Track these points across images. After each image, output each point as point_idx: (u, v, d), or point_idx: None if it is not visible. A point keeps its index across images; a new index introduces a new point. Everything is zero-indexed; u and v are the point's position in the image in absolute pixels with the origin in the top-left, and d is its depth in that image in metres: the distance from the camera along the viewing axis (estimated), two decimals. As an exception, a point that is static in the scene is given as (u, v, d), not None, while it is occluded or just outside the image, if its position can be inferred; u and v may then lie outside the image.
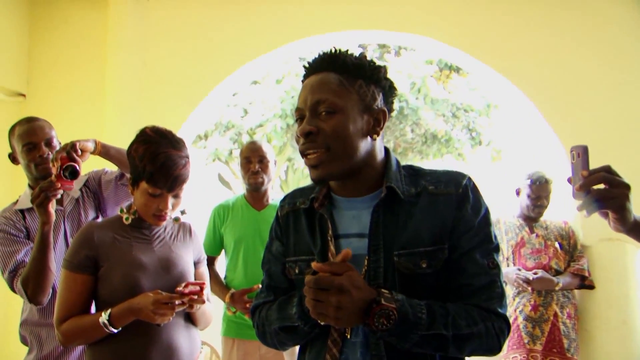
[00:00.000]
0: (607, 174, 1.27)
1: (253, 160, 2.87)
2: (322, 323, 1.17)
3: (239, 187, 11.20)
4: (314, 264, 1.15)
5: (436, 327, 1.16)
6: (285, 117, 9.25)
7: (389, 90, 1.33)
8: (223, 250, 3.02)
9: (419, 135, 10.30)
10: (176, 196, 1.80)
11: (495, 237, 1.30)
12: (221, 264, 3.08)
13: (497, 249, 1.28)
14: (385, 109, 1.30)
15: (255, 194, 2.93)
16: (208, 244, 2.94)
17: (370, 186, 1.32)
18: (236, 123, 9.72)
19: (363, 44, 9.52)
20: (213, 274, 2.85)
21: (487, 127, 10.36)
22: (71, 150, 2.07)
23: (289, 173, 11.75)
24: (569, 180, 1.33)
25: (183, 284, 1.76)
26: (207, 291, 1.83)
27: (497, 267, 1.26)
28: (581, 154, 1.31)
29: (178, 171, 1.74)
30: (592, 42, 3.50)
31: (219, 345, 3.03)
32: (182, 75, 3.83)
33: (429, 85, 9.27)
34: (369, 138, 1.28)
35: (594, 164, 1.28)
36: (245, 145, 2.99)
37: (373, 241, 1.26)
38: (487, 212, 1.29)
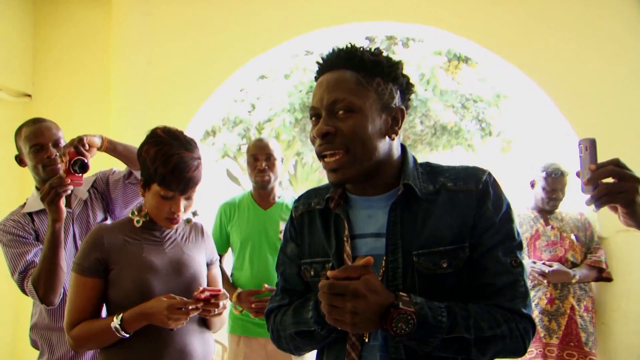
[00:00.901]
0: (615, 167, 1.24)
1: (260, 158, 2.85)
2: (339, 328, 1.14)
3: (248, 183, 11.12)
4: (329, 273, 1.12)
5: (457, 330, 1.12)
6: (294, 112, 9.21)
7: (407, 87, 1.30)
8: (230, 248, 3.01)
9: (429, 127, 10.24)
10: (188, 198, 1.77)
11: (519, 233, 1.26)
12: (229, 262, 3.08)
13: (520, 246, 1.25)
14: (403, 107, 1.27)
15: (262, 192, 2.91)
16: (214, 242, 2.91)
17: (387, 185, 1.28)
18: (244, 118, 9.70)
19: (370, 36, 9.45)
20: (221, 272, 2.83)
21: (497, 117, 10.27)
22: (79, 145, 2.04)
23: (297, 167, 11.73)
24: (578, 174, 1.31)
25: (200, 289, 1.73)
26: (224, 295, 1.79)
27: (520, 265, 1.22)
28: (589, 147, 1.28)
29: (191, 173, 1.71)
30: (607, 31, 3.43)
31: (226, 341, 3.04)
32: (188, 72, 3.80)
33: (438, 77, 9.20)
34: (387, 138, 1.25)
35: (610, 155, 1.26)
36: (252, 142, 2.97)
37: (391, 241, 1.23)
38: (508, 208, 1.26)
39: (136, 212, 1.85)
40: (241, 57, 3.77)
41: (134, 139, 1.82)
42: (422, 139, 10.54)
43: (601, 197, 1.24)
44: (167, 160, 1.68)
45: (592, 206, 1.27)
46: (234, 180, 11.14)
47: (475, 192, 1.24)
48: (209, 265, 1.97)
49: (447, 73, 9.78)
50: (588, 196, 1.27)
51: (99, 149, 2.19)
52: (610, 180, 1.25)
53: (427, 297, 1.15)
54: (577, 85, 3.45)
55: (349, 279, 1.10)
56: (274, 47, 3.77)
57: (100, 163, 2.49)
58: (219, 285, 2.00)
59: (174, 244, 1.86)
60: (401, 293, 1.14)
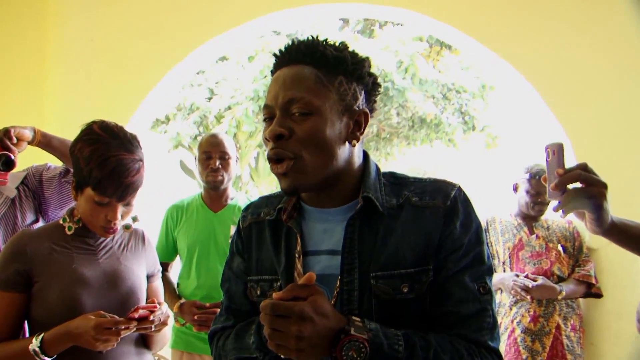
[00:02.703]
0: (583, 171, 1.36)
1: (213, 156, 2.83)
2: (282, 356, 1.10)
3: (203, 176, 11.06)
4: (274, 294, 1.09)
5: None
6: (257, 100, 9.18)
7: (372, 88, 1.28)
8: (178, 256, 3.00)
9: (406, 119, 10.30)
10: (127, 204, 1.73)
11: (489, 257, 1.25)
12: (176, 270, 3.06)
13: (489, 271, 1.24)
14: (367, 110, 1.26)
15: (213, 194, 2.90)
16: (160, 249, 2.91)
17: (346, 196, 1.27)
18: (201, 105, 9.60)
19: (345, 18, 9.45)
20: (166, 282, 2.82)
21: (481, 110, 10.38)
22: (4, 138, 1.99)
23: (259, 160, 11.69)
24: (544, 180, 1.42)
25: (133, 309, 1.68)
26: (164, 310, 1.75)
27: (488, 292, 1.21)
28: (557, 151, 1.40)
29: (130, 178, 1.66)
30: (602, 24, 3.44)
31: (169, 356, 3.02)
32: (137, 51, 3.73)
33: (418, 64, 9.26)
34: (347, 144, 1.23)
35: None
36: (205, 138, 2.96)
37: (347, 260, 1.21)
38: (478, 227, 1.25)
39: (68, 218, 1.79)
40: (199, 37, 3.71)
41: (74, 128, 1.76)
42: (399, 132, 10.59)
43: (569, 202, 1.36)
44: (103, 162, 1.63)
45: (560, 212, 1.38)
46: (188, 173, 11.05)
47: (442, 208, 1.23)
48: (149, 277, 1.93)
49: (427, 60, 9.83)
50: (554, 202, 1.38)
51: (30, 143, 2.13)
52: (577, 185, 1.37)
53: (385, 324, 1.13)
54: (567, 81, 3.46)
55: (295, 300, 1.07)
56: (236, 27, 3.71)
57: (33, 158, 2.40)
58: (161, 299, 1.96)
59: (110, 254, 1.81)
60: (354, 317, 1.11)
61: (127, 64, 3.72)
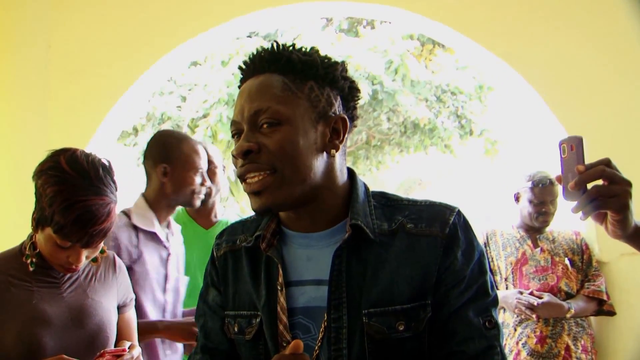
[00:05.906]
0: (607, 168, 1.30)
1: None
2: None
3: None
4: None
5: None
6: (233, 104, 9.13)
7: (350, 93, 1.27)
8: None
9: (397, 125, 10.30)
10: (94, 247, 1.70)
11: (492, 286, 1.24)
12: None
13: (494, 302, 1.23)
14: (346, 116, 1.24)
15: (201, 208, 2.83)
16: None
17: (330, 218, 1.25)
18: (172, 115, 9.56)
19: (328, 17, 9.47)
20: None
21: (479, 113, 10.39)
22: None
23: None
24: (558, 179, 1.36)
25: (99, 353, 1.65)
26: (134, 355, 1.73)
27: (495, 326, 1.20)
28: (575, 146, 1.34)
29: (98, 226, 1.62)
30: (604, 19, 3.45)
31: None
32: (101, 58, 3.68)
33: (408, 65, 9.26)
34: (325, 154, 1.22)
35: (598, 157, 1.31)
36: None
37: (334, 294, 1.19)
38: (481, 255, 1.24)
39: (29, 251, 1.74)
40: (169, 42, 3.68)
41: (29, 148, 1.73)
42: (390, 138, 10.60)
43: (591, 201, 1.29)
44: (67, 208, 1.58)
45: (579, 214, 1.32)
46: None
47: (440, 238, 1.21)
48: (121, 307, 1.90)
49: (419, 60, 9.85)
50: (573, 203, 1.32)
51: None
52: (599, 183, 1.31)
53: None
54: (569, 80, 3.46)
55: None
56: (210, 29, 3.69)
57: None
58: (133, 332, 1.93)
59: (76, 286, 1.78)
60: None
61: (90, 73, 3.67)
